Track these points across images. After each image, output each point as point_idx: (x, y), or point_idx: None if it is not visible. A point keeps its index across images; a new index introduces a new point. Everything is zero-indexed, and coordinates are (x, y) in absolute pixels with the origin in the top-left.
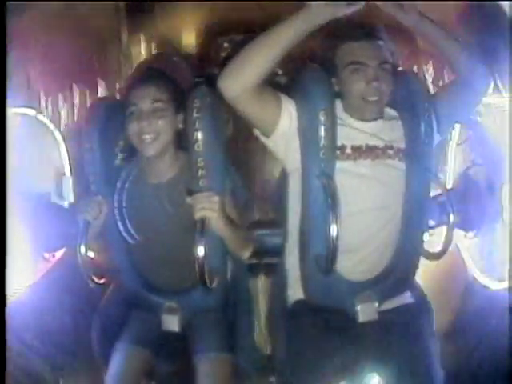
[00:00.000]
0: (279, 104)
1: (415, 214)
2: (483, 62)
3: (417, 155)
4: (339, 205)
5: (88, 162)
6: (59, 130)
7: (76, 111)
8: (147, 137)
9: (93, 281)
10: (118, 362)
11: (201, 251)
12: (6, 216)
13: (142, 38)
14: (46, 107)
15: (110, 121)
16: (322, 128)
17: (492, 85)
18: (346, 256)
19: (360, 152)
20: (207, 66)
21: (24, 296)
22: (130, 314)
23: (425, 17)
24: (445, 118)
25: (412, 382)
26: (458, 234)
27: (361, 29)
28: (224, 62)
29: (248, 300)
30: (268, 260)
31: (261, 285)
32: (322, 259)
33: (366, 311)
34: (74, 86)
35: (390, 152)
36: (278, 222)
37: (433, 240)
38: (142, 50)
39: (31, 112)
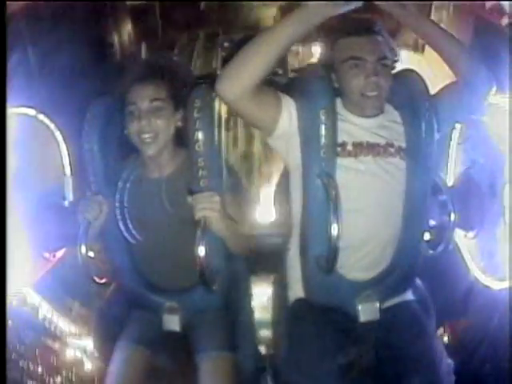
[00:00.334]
0: (278, 104)
1: (416, 213)
2: (485, 63)
3: (418, 154)
4: (340, 204)
5: (88, 161)
6: (59, 130)
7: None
8: (147, 136)
9: (94, 281)
10: (119, 361)
11: (201, 251)
12: (6, 216)
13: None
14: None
15: (110, 120)
16: (323, 127)
17: (495, 86)
18: (347, 254)
19: (361, 148)
20: (207, 65)
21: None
22: (130, 313)
23: (425, 17)
24: (446, 117)
25: (417, 379)
26: (459, 233)
27: (359, 24)
28: (225, 62)
29: (249, 299)
30: (268, 259)
31: (261, 284)
32: (322, 258)
33: (367, 311)
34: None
35: (391, 150)
36: (277, 222)
37: (433, 239)
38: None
39: (31, 112)
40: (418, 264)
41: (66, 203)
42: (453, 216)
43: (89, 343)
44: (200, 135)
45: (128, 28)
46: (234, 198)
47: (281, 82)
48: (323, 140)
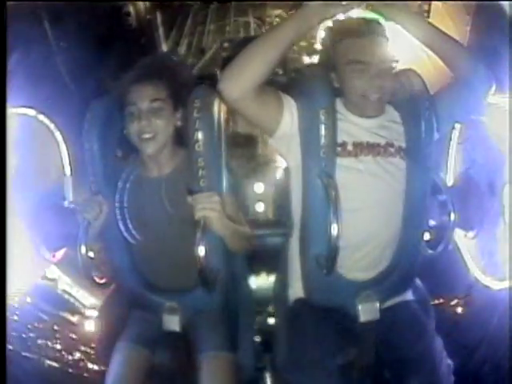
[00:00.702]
0: (280, 104)
1: (416, 213)
2: (484, 63)
3: (417, 154)
4: (340, 204)
5: (88, 161)
6: (59, 130)
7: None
8: (147, 136)
9: (94, 281)
10: (119, 361)
11: (201, 251)
12: (7, 216)
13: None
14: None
15: (110, 120)
16: (323, 127)
17: (494, 86)
18: (347, 254)
19: (361, 148)
20: (207, 66)
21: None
22: (130, 313)
23: (421, 18)
24: (445, 117)
25: (416, 379)
26: (459, 233)
27: (362, 24)
28: (225, 62)
29: (249, 299)
30: (268, 259)
31: (261, 284)
32: (322, 258)
33: (367, 311)
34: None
35: (391, 150)
36: (278, 221)
37: (433, 239)
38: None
39: (31, 112)
40: (418, 264)
41: (66, 203)
42: (452, 216)
43: None
44: (200, 135)
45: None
46: (233, 198)
47: (281, 81)
48: (323, 140)
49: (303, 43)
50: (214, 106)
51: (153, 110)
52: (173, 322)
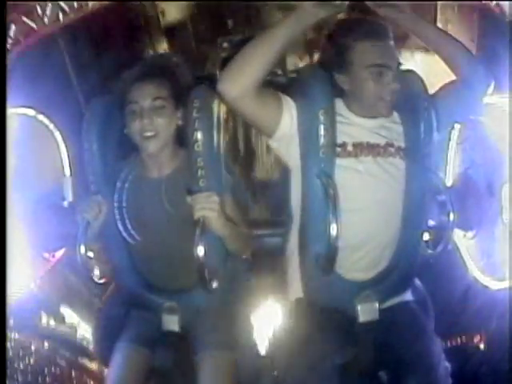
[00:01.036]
0: (280, 104)
1: (415, 213)
2: (483, 62)
3: (416, 154)
4: (339, 204)
5: (87, 161)
6: (59, 130)
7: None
8: (148, 134)
9: (93, 281)
10: (119, 361)
11: (200, 251)
12: (6, 216)
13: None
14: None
15: (110, 119)
16: (322, 127)
17: (493, 85)
18: (346, 254)
19: (361, 149)
20: (207, 66)
21: (24, 296)
22: (130, 313)
23: (421, 18)
24: (445, 117)
25: (414, 380)
26: (458, 233)
27: (374, 27)
28: (224, 62)
29: (248, 299)
30: (268, 259)
31: (261, 284)
32: (321, 258)
33: (366, 311)
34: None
35: (391, 150)
36: (278, 221)
37: (433, 239)
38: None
39: (31, 112)
40: (417, 264)
41: (66, 203)
42: (452, 216)
43: None
44: (199, 135)
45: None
46: (233, 198)
47: (280, 82)
48: (322, 140)
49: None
50: (214, 106)
51: (155, 109)
52: (172, 322)
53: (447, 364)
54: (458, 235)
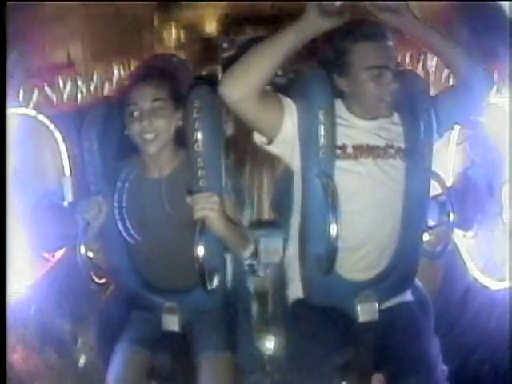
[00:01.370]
0: (281, 107)
1: (415, 214)
2: (484, 63)
3: (416, 154)
4: (339, 204)
5: (88, 161)
6: (59, 131)
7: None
8: (148, 136)
9: (93, 281)
10: (119, 362)
11: (200, 251)
12: (6, 216)
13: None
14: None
15: (110, 120)
16: (322, 127)
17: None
18: (346, 255)
19: (361, 151)
20: (207, 66)
21: (24, 296)
22: (130, 314)
23: (420, 22)
24: (445, 119)
25: (413, 380)
26: (458, 233)
27: (372, 28)
28: (224, 63)
29: (248, 300)
30: (268, 259)
31: (261, 284)
32: (321, 258)
33: (366, 311)
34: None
35: (391, 151)
36: (278, 221)
37: (433, 240)
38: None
39: (31, 112)
40: (417, 264)
41: (65, 203)
42: (452, 216)
43: None
44: (199, 135)
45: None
46: (233, 198)
47: (280, 82)
48: (322, 140)
49: None
50: (214, 107)
51: (154, 110)
52: (172, 322)
53: (444, 367)
54: (457, 235)
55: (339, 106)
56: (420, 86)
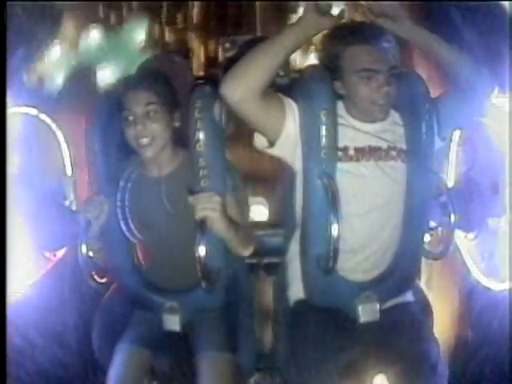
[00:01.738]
0: (283, 107)
1: (416, 215)
2: (484, 64)
3: (418, 156)
4: (340, 205)
5: (90, 160)
6: (61, 130)
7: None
8: (144, 140)
9: (94, 280)
10: (120, 362)
11: (202, 251)
12: (7, 215)
13: None
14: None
15: (112, 120)
16: (324, 128)
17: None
18: (348, 256)
19: (363, 153)
20: (209, 66)
21: (25, 295)
22: (131, 313)
23: (419, 27)
24: (447, 121)
25: (414, 381)
26: (459, 235)
27: (365, 31)
28: (225, 63)
29: (249, 300)
30: (269, 260)
31: (262, 284)
32: (323, 259)
33: (367, 312)
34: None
35: (393, 153)
36: (278, 222)
37: (434, 241)
38: None
39: (33, 111)
40: (419, 265)
41: (67, 203)
42: (453, 217)
43: None
44: (201, 135)
45: None
46: (234, 198)
47: (282, 83)
48: (324, 141)
49: None
50: (215, 106)
51: (148, 114)
52: (173, 322)
53: (443, 368)
54: (459, 236)
55: (340, 108)
56: (422, 88)
